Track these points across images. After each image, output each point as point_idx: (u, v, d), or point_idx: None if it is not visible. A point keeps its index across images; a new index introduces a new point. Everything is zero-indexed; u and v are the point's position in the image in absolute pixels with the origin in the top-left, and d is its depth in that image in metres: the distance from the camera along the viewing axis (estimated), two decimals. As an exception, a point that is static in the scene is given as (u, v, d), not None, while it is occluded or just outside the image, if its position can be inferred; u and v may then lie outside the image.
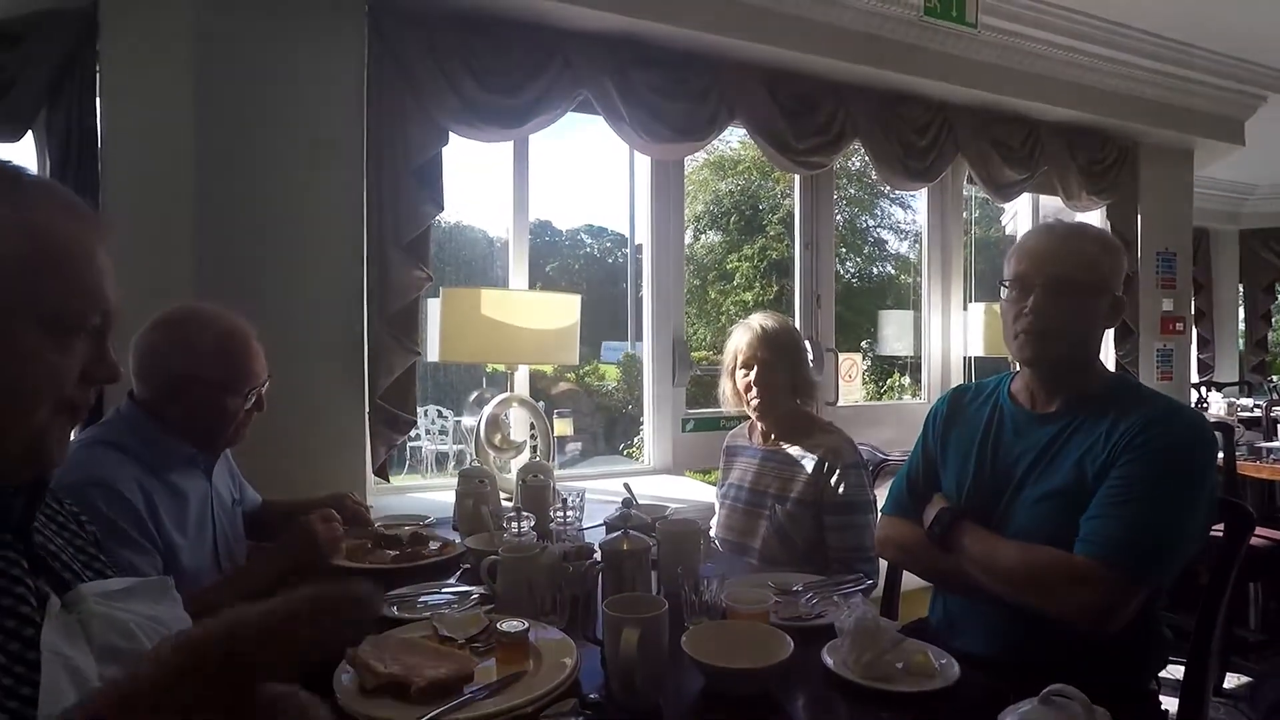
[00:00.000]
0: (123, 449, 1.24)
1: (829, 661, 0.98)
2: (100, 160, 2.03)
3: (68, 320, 0.62)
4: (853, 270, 10.42)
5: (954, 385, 3.29)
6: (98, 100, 2.04)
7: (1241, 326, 5.87)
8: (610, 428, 7.58)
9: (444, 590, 1.31)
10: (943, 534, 1.24)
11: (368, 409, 2.17)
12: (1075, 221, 1.36)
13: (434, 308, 2.25)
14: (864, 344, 7.44)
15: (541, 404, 2.41)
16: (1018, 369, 1.37)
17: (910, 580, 1.86)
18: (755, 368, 1.75)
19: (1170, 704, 1.31)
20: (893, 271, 10.24)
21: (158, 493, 1.24)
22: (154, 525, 1.20)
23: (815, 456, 1.69)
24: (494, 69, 2.25)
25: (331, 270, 2.11)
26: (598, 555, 1.21)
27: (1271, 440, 3.27)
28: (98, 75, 2.04)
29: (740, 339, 1.80)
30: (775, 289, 9.36)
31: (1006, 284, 1.29)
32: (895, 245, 10.45)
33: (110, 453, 1.23)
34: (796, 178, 3.06)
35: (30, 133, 2.10)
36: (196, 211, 1.98)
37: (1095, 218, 3.64)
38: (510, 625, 0.99)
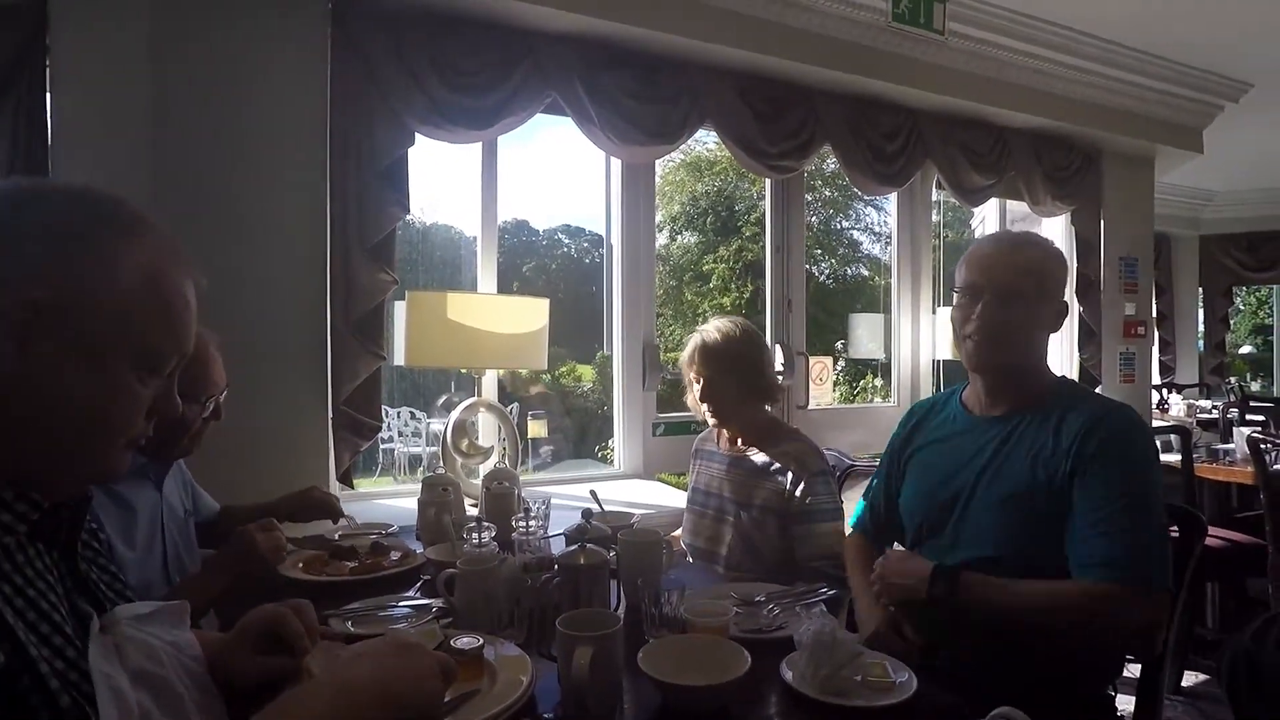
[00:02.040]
0: None
1: (787, 675, 0.98)
2: (50, 157, 1.96)
3: (157, 362, 0.66)
4: (827, 272, 10.52)
5: (918, 392, 3.34)
6: (48, 95, 1.98)
7: (1201, 329, 6.03)
8: (585, 429, 7.55)
9: (403, 603, 1.28)
10: (949, 591, 1.19)
11: (331, 414, 2.13)
12: (1021, 231, 1.43)
13: (400, 310, 2.22)
14: (838, 345, 7.50)
15: (514, 405, 2.38)
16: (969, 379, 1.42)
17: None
18: (700, 383, 1.75)
19: (1127, 703, 1.33)
20: (866, 273, 10.35)
21: (99, 501, 1.20)
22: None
23: (778, 464, 1.69)
24: (462, 69, 2.22)
25: (293, 273, 2.07)
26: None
27: (1227, 442, 3.35)
28: (47, 70, 1.98)
29: (686, 354, 1.80)
30: (751, 290, 9.41)
31: (957, 291, 1.33)
32: (869, 247, 10.57)
33: None
34: (768, 181, 3.07)
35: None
36: (151, 211, 1.91)
37: (1060, 223, 3.71)
38: (464, 641, 0.97)
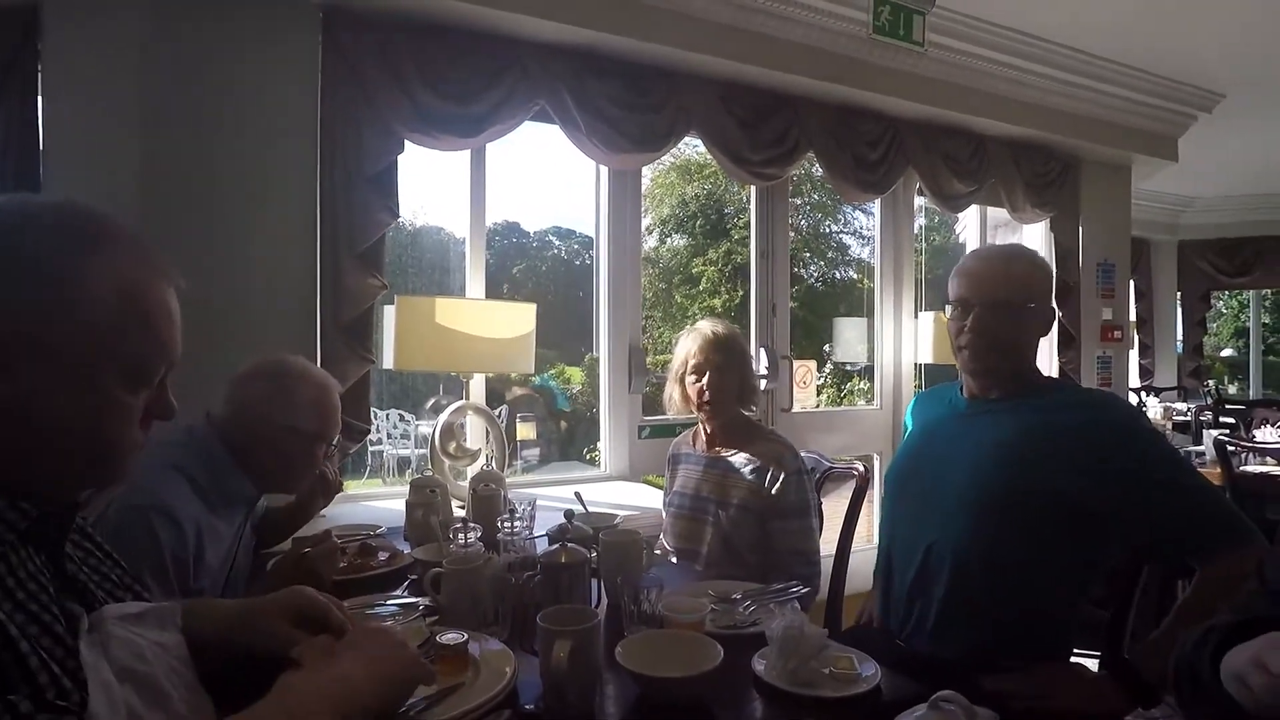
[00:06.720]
0: (194, 480, 1.25)
1: (758, 667, 1.02)
2: (41, 162, 1.98)
3: (145, 372, 0.67)
4: (816, 274, 10.59)
5: (901, 395, 3.41)
6: (39, 100, 2.00)
7: (1180, 333, 6.14)
8: (573, 431, 7.57)
9: (390, 602, 1.31)
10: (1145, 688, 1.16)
11: (320, 417, 2.15)
12: (1007, 244, 1.49)
13: (389, 314, 2.25)
14: (826, 348, 7.57)
15: (503, 408, 2.41)
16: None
17: (853, 585, 1.92)
18: (707, 372, 1.79)
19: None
20: (854, 276, 10.43)
21: (207, 534, 1.25)
22: (194, 572, 1.20)
23: (758, 463, 1.74)
24: (450, 77, 2.25)
25: (282, 278, 2.10)
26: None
27: (1199, 444, 3.43)
28: (39, 74, 2.00)
29: (691, 344, 1.84)
30: (740, 293, 9.46)
31: (950, 305, 1.42)
32: (857, 250, 10.65)
33: (183, 484, 1.24)
34: (753, 187, 3.12)
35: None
36: (141, 216, 1.94)
37: (1039, 230, 3.78)
38: (450, 637, 1.01)
